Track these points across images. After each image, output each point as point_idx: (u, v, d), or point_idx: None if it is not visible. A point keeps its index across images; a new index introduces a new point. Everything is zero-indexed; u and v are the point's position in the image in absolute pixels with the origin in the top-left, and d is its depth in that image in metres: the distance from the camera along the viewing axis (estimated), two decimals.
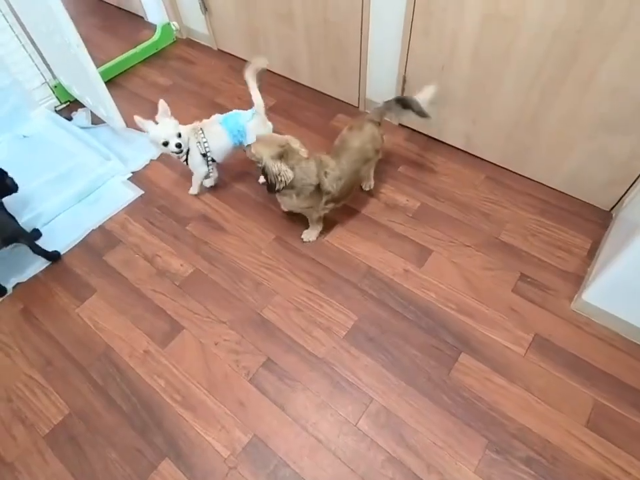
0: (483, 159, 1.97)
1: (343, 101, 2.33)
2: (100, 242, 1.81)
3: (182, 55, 2.75)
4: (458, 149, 2.02)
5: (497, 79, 1.67)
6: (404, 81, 1.97)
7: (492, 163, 1.96)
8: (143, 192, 1.98)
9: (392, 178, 1.94)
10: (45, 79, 2.31)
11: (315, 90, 2.41)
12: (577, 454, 1.22)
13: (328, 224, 1.79)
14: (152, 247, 1.78)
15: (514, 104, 1.69)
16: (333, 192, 1.54)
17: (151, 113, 2.33)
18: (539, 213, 1.77)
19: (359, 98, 2.24)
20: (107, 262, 1.74)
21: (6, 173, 1.69)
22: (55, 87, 2.35)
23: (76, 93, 2.32)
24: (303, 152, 1.49)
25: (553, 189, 1.84)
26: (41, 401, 1.42)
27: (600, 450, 1.23)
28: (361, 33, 1.95)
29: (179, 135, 1.65)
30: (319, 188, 1.51)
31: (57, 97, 2.38)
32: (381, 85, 2.10)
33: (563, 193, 1.82)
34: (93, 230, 1.85)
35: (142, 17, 3.04)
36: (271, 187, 1.43)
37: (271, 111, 2.32)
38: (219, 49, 2.75)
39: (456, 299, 1.55)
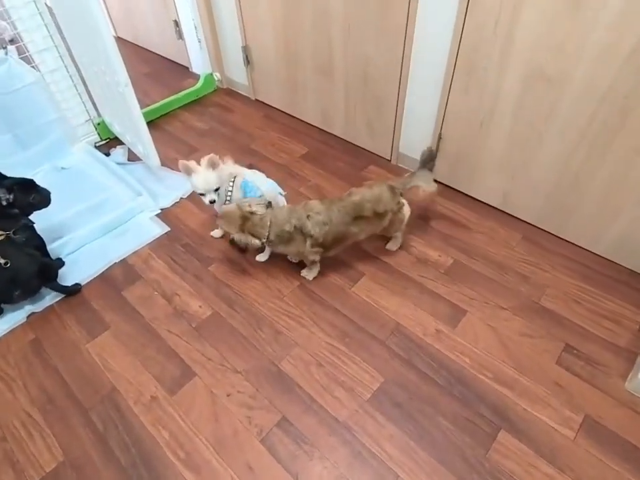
0: (519, 219, 1.90)
1: (375, 154, 2.34)
2: (120, 276, 1.77)
3: (221, 102, 2.87)
4: (493, 206, 1.96)
5: (538, 138, 1.64)
6: (439, 137, 1.96)
7: (529, 223, 1.88)
8: (169, 229, 1.96)
9: (423, 232, 1.88)
10: (90, 117, 2.41)
11: (348, 141, 2.44)
12: None
13: (355, 274, 1.72)
14: (172, 285, 1.72)
15: (556, 164, 1.65)
16: (315, 236, 1.51)
17: (186, 153, 2.40)
18: (581, 279, 1.66)
19: (392, 152, 2.24)
20: (125, 297, 1.69)
21: (35, 185, 1.66)
22: (98, 124, 2.44)
23: (117, 130, 2.40)
24: (260, 207, 1.55)
25: (595, 254, 1.74)
26: (36, 444, 1.30)
27: None
28: (399, 89, 1.98)
29: (217, 190, 1.64)
30: (301, 232, 1.51)
31: (98, 134, 2.47)
32: (415, 140, 2.09)
33: (606, 258, 1.71)
34: (115, 263, 1.81)
35: (187, 67, 3.22)
36: (244, 250, 1.58)
37: (303, 159, 2.35)
38: (256, 99, 2.85)
39: (493, 367, 1.41)
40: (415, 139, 2.10)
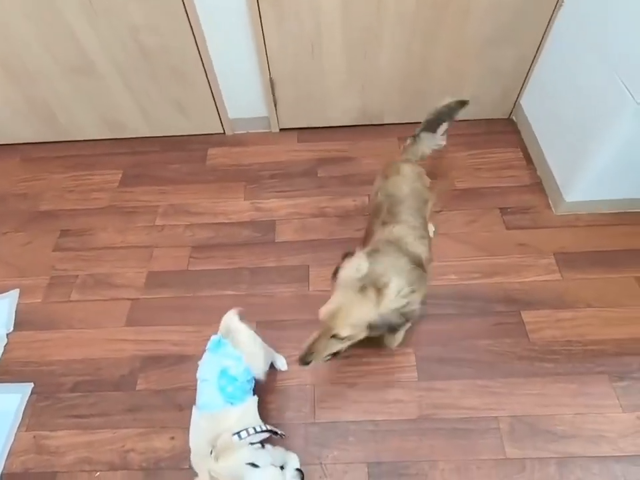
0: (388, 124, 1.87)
1: (202, 134, 1.92)
2: None
3: None
4: (360, 125, 1.87)
5: (376, 38, 1.54)
6: (271, 82, 1.69)
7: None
8: (31, 384, 1.30)
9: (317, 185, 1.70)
10: None
11: (161, 137, 1.93)
12: None
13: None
14: (110, 445, 1.19)
15: (400, 57, 1.60)
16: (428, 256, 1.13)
17: None
18: (468, 148, 1.76)
19: (222, 123, 1.87)
20: None
21: None
22: None
23: None
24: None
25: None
26: None
27: None
28: (198, 48, 1.57)
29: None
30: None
31: None
32: (245, 97, 1.77)
33: (467, 120, 1.84)
34: None
35: None
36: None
37: (125, 186, 1.79)
38: None
39: (475, 268, 1.44)
40: (244, 96, 1.77)
